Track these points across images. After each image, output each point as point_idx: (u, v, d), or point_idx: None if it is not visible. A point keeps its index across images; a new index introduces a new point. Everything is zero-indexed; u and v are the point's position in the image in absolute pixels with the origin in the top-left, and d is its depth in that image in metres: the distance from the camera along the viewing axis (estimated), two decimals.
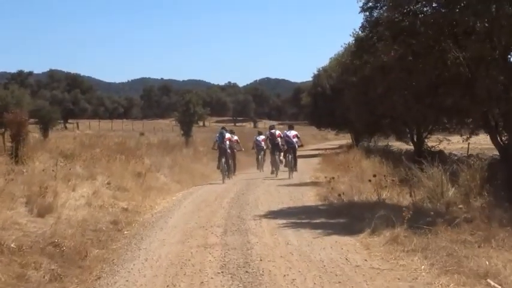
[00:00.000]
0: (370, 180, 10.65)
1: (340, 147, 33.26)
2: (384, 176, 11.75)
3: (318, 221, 9.02)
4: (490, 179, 10.49)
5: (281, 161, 18.44)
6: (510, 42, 10.07)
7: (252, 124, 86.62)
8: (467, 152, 18.60)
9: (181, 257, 6.80)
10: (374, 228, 7.70)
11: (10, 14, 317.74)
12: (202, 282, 5.69)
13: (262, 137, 19.85)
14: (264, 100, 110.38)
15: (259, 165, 20.03)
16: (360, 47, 11.83)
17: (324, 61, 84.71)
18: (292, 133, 17.50)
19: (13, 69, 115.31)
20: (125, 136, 33.82)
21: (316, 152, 28.28)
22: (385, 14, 10.23)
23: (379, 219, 7.80)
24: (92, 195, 11.17)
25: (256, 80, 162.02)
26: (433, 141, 18.35)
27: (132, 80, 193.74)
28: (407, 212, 7.40)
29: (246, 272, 5.99)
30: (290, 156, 17.09)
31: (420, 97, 11.33)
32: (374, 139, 28.61)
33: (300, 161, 18.37)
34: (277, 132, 18.51)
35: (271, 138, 18.37)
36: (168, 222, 9.45)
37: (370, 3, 10.97)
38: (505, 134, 11.33)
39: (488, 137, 15.47)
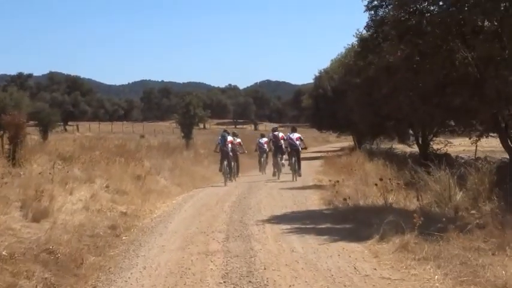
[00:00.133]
0: (376, 184, 10.31)
1: (342, 149, 32.97)
2: (389, 179, 11.45)
3: (323, 226, 8.70)
4: (499, 182, 10.20)
5: (283, 164, 18.29)
6: None
7: (252, 126, 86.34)
8: (475, 154, 18.27)
9: (181, 265, 6.49)
10: (382, 234, 7.38)
11: (10, 16, 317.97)
12: None
13: (265, 140, 19.84)
14: (265, 102, 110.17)
15: (262, 167, 19.98)
16: (365, 47, 11.53)
17: (324, 63, 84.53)
18: (295, 136, 17.33)
19: (13, 72, 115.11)
20: (125, 138, 33.58)
21: (318, 155, 27.98)
22: (391, 13, 9.93)
23: (387, 225, 7.48)
24: (90, 199, 10.86)
25: (257, 83, 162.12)
26: (437, 144, 18.01)
27: (132, 83, 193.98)
28: (418, 218, 7.07)
29: (250, 282, 5.69)
30: (294, 159, 16.90)
31: (427, 98, 11.02)
32: (376, 141, 28.33)
33: (302, 163, 18.10)
34: (281, 134, 18.41)
35: (275, 140, 18.26)
36: (168, 227, 9.13)
37: (376, 2, 10.70)
38: None
39: (491, 139, 15.21)
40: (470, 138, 15.08)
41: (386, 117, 15.57)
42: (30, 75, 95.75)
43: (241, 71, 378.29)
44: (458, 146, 24.35)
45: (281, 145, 17.93)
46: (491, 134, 15.92)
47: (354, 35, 14.82)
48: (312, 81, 38.76)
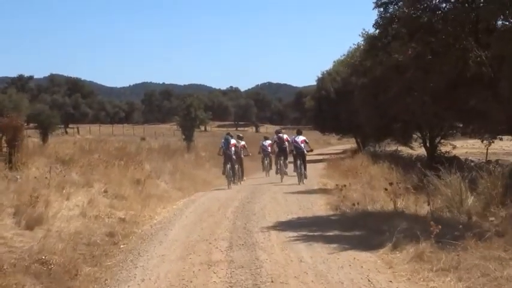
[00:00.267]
0: (386, 189, 9.88)
1: (344, 152, 32.62)
2: (397, 183, 11.04)
3: (331, 233, 8.27)
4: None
5: (285, 165, 18.13)
6: None
7: (253, 129, 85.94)
8: (486, 157, 17.81)
9: (182, 277, 6.07)
10: (395, 242, 6.95)
11: (10, 19, 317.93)
12: None
13: (268, 142, 19.72)
14: (266, 104, 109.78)
15: (265, 170, 19.91)
16: (374, 45, 11.07)
17: (325, 66, 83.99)
18: (300, 138, 17.06)
19: (13, 74, 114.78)
20: (126, 141, 33.29)
21: (321, 157, 27.55)
22: (402, 10, 9.49)
23: (400, 233, 7.06)
24: (87, 205, 10.46)
25: (258, 85, 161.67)
26: (443, 146, 17.54)
27: (133, 85, 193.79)
28: (435, 226, 6.63)
29: None
30: (299, 162, 16.62)
31: (438, 98, 10.57)
32: (378, 144, 27.91)
33: None
34: (285, 136, 18.35)
35: (279, 142, 18.17)
36: (168, 234, 8.71)
37: None
38: None
39: (494, 142, 14.75)
40: (482, 141, 14.62)
41: (393, 119, 15.14)
42: (31, 78, 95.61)
43: (243, 73, 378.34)
44: (461, 148, 23.94)
45: (285, 147, 17.87)
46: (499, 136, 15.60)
47: (360, 35, 14.49)
48: (313, 83, 38.44)
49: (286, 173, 17.74)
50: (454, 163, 11.11)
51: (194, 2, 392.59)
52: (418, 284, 5.58)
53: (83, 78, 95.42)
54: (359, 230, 8.34)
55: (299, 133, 17.56)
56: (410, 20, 9.18)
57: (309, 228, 8.69)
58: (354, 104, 19.39)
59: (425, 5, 9.30)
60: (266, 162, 19.86)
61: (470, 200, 9.39)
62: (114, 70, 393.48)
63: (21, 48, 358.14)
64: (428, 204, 9.64)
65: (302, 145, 16.87)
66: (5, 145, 15.96)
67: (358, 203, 9.87)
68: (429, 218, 8.92)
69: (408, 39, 9.30)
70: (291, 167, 18.67)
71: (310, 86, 73.58)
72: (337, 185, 12.33)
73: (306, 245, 7.41)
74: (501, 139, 14.33)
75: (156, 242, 8.11)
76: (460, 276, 5.63)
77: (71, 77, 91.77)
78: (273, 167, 19.52)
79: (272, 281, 5.73)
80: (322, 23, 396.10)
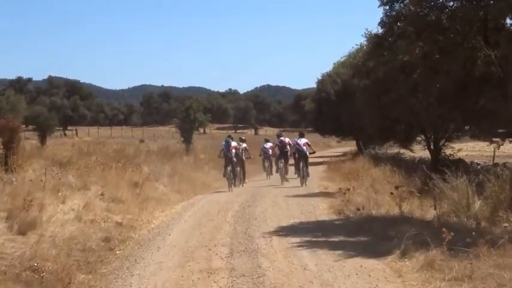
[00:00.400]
0: (392, 193, 9.58)
1: (345, 154, 32.38)
2: (402, 187, 10.72)
3: (336, 239, 7.95)
4: None
5: (286, 170, 18.07)
6: None
7: (253, 131, 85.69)
8: (493, 160, 17.49)
9: (180, 286, 5.76)
10: (404, 249, 6.65)
11: (9, 21, 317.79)
12: None
13: (269, 145, 19.78)
14: (265, 107, 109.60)
15: (267, 172, 19.91)
16: (379, 44, 10.75)
17: (324, 68, 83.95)
18: (302, 141, 17.06)
19: (12, 76, 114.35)
20: (124, 143, 32.99)
21: (321, 160, 27.26)
22: (408, 8, 9.19)
23: (408, 239, 6.75)
24: (83, 208, 10.15)
25: (257, 87, 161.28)
26: (448, 149, 17.23)
27: (132, 87, 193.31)
28: (447, 233, 6.32)
29: None
30: (301, 165, 16.58)
31: (445, 99, 10.25)
32: (379, 147, 27.61)
33: None
34: (287, 139, 18.47)
35: (281, 145, 18.24)
36: (166, 239, 8.39)
37: None
38: None
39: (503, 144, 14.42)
40: (491, 143, 14.30)
41: (396, 121, 14.84)
42: (29, 80, 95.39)
43: (241, 76, 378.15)
44: (461, 150, 23.61)
45: (287, 151, 17.98)
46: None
47: (362, 35, 14.19)
48: (312, 85, 38.21)
49: (287, 180, 17.71)
50: (461, 166, 10.84)
51: (193, 4, 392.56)
52: None
53: (81, 81, 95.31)
54: (364, 235, 8.03)
55: (301, 135, 17.58)
56: (417, 18, 8.87)
57: (312, 233, 8.39)
58: (356, 105, 19.10)
59: (433, 3, 9.00)
60: (267, 164, 19.88)
61: (478, 204, 9.12)
62: (113, 72, 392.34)
63: (20, 50, 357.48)
64: (435, 209, 9.35)
65: (304, 147, 16.86)
66: (1, 147, 15.66)
67: (363, 207, 9.55)
68: (436, 222, 8.70)
69: (415, 38, 8.99)
70: (291, 170, 18.56)
71: (309, 88, 73.50)
72: (340, 188, 12.01)
73: (309, 252, 7.10)
74: (510, 141, 13.99)
75: (153, 248, 7.81)
76: (474, 286, 5.34)
77: (69, 79, 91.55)
78: (274, 167, 19.58)
79: None
80: (321, 25, 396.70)
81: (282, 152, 18.05)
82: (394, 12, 9.72)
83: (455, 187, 9.44)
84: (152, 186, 14.39)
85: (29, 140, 40.95)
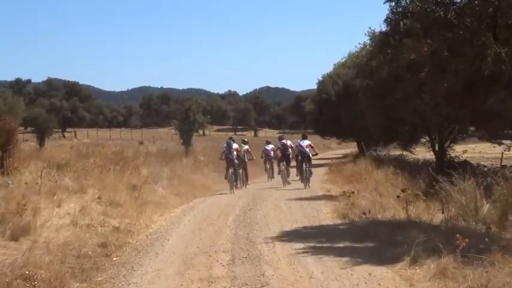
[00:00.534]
0: (398, 196, 9.26)
1: (345, 156, 32.09)
2: (408, 189, 10.41)
3: (341, 245, 7.63)
4: None
5: (288, 173, 18.01)
6: None
7: (252, 133, 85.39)
8: (501, 162, 17.14)
9: None
10: (414, 256, 6.33)
11: (8, 23, 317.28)
12: None
13: (271, 147, 19.72)
14: (265, 109, 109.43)
15: (268, 175, 19.88)
16: (384, 42, 10.42)
17: (323, 70, 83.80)
18: (305, 143, 16.98)
19: (11, 78, 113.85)
20: (123, 145, 32.77)
21: (321, 162, 26.96)
22: (415, 4, 8.87)
23: (418, 245, 6.44)
24: (79, 212, 9.84)
25: (256, 89, 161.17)
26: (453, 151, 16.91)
27: (131, 89, 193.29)
28: (462, 240, 6.00)
29: None
30: (305, 167, 16.47)
31: (453, 99, 9.92)
32: (380, 148, 27.31)
33: None
34: (289, 142, 18.50)
35: (283, 148, 18.21)
36: (165, 245, 8.07)
37: None
38: None
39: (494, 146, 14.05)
40: (500, 145, 13.96)
41: (401, 122, 14.53)
42: (28, 81, 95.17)
43: (241, 78, 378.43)
44: (462, 152, 23.28)
45: (289, 154, 18.00)
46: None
47: (365, 34, 13.89)
48: (311, 87, 38.02)
49: (289, 182, 17.61)
50: (468, 168, 10.52)
51: (192, 6, 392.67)
52: None
53: (80, 82, 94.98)
54: (371, 241, 7.71)
55: (304, 137, 17.50)
56: (424, 15, 8.56)
57: (316, 239, 8.07)
58: (359, 105, 18.80)
59: None
60: (268, 166, 19.83)
61: (486, 208, 8.84)
62: (112, 74, 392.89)
63: (19, 52, 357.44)
64: (443, 213, 9.05)
65: (307, 149, 16.81)
66: None
67: (369, 212, 9.23)
68: (444, 227, 8.41)
69: (423, 35, 8.67)
70: (292, 173, 18.36)
71: (308, 90, 73.30)
72: (344, 191, 11.70)
73: (315, 259, 6.78)
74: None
75: (151, 254, 7.49)
76: None
77: (68, 81, 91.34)
78: (275, 169, 19.54)
79: None
80: (320, 27, 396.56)
81: (284, 155, 18.05)
82: (400, 9, 9.42)
83: (462, 190, 9.14)
84: (151, 189, 14.08)
85: (27, 142, 40.83)
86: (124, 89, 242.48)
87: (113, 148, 27.53)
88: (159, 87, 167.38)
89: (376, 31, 13.17)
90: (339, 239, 8.06)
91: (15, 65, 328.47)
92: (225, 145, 17.00)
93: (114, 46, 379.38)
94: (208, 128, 74.07)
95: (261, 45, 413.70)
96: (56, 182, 11.79)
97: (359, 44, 14.87)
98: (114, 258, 7.41)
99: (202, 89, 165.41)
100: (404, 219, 8.86)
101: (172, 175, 17.44)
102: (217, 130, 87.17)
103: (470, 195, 9.01)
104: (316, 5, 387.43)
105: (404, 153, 22.17)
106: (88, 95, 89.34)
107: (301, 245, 7.57)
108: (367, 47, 14.02)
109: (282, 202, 12.69)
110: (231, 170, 16.15)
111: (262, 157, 19.90)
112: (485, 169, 13.25)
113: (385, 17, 9.91)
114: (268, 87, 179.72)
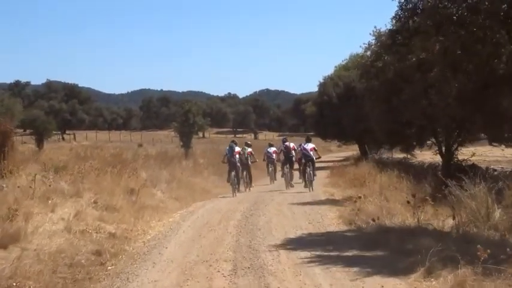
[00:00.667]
0: (409, 202, 8.86)
1: (346, 159, 31.69)
2: (414, 195, 10.01)
3: (349, 253, 7.21)
4: None
5: (291, 176, 17.91)
6: None
7: (252, 135, 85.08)
8: None
9: None
10: (429, 267, 5.92)
11: (7, 25, 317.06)
12: None
13: (273, 149, 19.49)
14: (265, 111, 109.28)
15: (271, 177, 19.76)
16: (393, 40, 10.01)
17: (324, 72, 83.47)
18: (309, 146, 16.88)
19: (10, 80, 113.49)
20: (123, 147, 32.45)
21: (323, 165, 26.56)
22: (426, 0, 8.47)
23: (433, 255, 6.02)
24: (74, 218, 9.39)
25: (256, 91, 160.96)
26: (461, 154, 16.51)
27: (131, 91, 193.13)
28: (484, 252, 5.57)
29: None
30: (309, 170, 16.33)
31: (464, 99, 9.51)
32: (382, 151, 26.90)
33: None
34: (292, 144, 18.39)
35: (286, 151, 18.10)
36: (162, 253, 7.65)
37: None
38: None
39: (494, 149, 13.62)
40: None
41: (407, 124, 14.15)
42: (27, 84, 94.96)
43: (241, 80, 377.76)
44: (463, 155, 22.90)
45: (292, 156, 17.92)
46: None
47: (370, 33, 13.50)
48: (311, 90, 37.81)
49: (292, 185, 17.48)
50: (479, 172, 10.12)
51: (192, 9, 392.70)
52: None
53: (80, 85, 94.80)
54: (381, 249, 7.29)
55: (308, 140, 17.32)
56: (436, 11, 8.16)
57: (322, 246, 7.65)
58: (364, 108, 18.41)
59: None
60: (271, 169, 19.65)
61: (498, 213, 8.46)
62: (112, 77, 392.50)
63: (18, 54, 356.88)
64: (453, 218, 8.65)
65: (311, 152, 16.70)
66: None
67: (378, 218, 8.81)
68: (455, 234, 8.02)
69: (435, 33, 8.27)
70: (295, 176, 18.03)
71: (308, 92, 73.04)
72: (350, 196, 11.30)
73: (322, 269, 6.36)
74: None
75: (148, 263, 7.06)
76: None
77: (68, 83, 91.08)
78: (278, 172, 19.48)
79: None
80: (320, 30, 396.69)
81: (287, 158, 17.92)
82: (410, 5, 9.03)
83: (473, 195, 8.76)
84: (149, 193, 13.65)
85: (26, 144, 40.49)
86: (124, 91, 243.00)
87: (112, 150, 27.21)
88: (158, 89, 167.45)
89: (381, 30, 12.80)
90: (347, 247, 7.64)
91: (14, 67, 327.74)
92: (227, 148, 16.93)
93: (114, 48, 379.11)
94: (208, 130, 73.86)
95: (261, 47, 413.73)
96: (49, 185, 11.34)
97: (363, 44, 14.51)
98: (109, 268, 7.00)
99: (202, 92, 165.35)
100: (414, 225, 8.46)
101: (172, 178, 17.01)
102: (217, 132, 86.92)
103: (481, 200, 8.64)
104: (316, 6, 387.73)
105: (408, 156, 21.75)
106: (87, 97, 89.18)
107: (307, 254, 7.16)
108: (372, 47, 13.65)
109: (285, 207, 12.28)
110: (233, 173, 16.11)
111: (264, 160, 19.73)
112: (495, 173, 12.88)
113: (393, 14, 9.53)
114: (268, 90, 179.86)
